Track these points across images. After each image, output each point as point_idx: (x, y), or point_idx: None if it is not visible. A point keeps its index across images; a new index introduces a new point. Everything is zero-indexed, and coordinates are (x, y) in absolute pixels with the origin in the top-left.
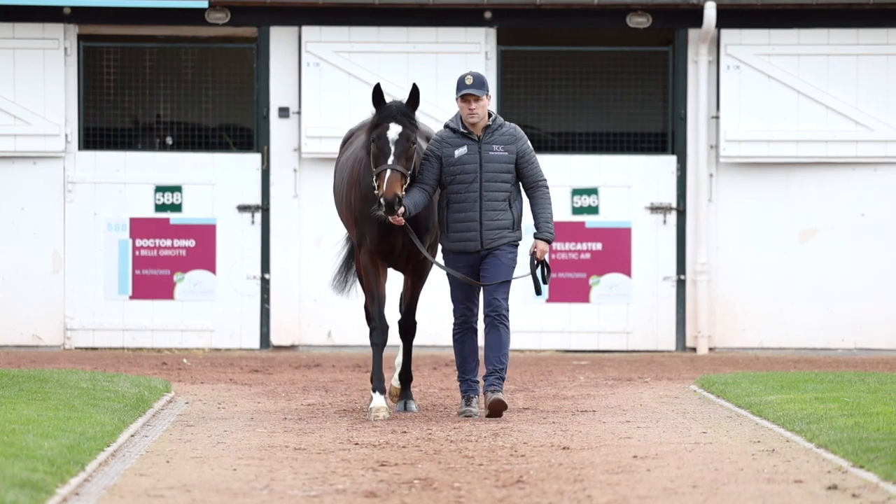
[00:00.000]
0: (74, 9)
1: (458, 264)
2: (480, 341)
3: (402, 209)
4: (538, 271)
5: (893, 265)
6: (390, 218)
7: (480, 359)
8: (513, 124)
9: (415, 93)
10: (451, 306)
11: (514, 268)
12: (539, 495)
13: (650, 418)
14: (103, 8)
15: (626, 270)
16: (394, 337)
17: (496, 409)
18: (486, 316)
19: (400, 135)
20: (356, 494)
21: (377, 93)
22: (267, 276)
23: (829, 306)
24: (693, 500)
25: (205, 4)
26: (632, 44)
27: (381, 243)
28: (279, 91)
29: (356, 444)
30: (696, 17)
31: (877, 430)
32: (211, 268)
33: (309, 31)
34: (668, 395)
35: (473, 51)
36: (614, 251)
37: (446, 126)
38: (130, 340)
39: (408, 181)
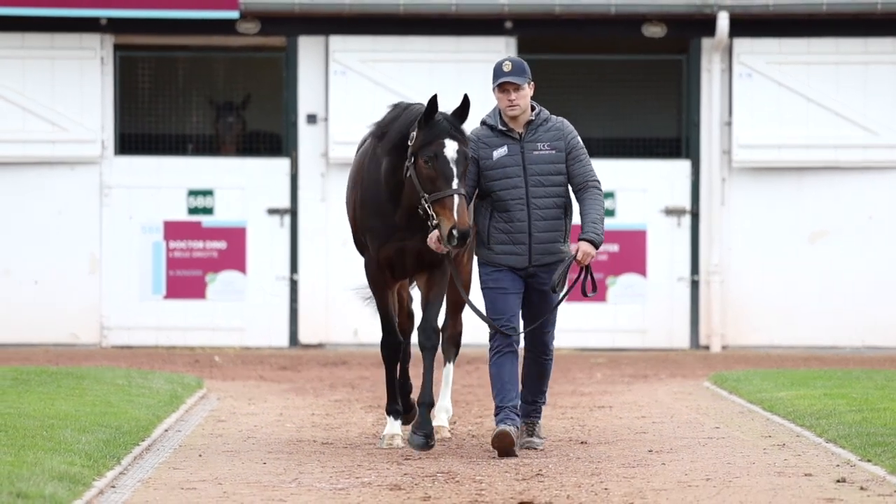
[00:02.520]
0: (111, 20)
1: (500, 277)
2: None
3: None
4: (581, 281)
5: None
6: (433, 246)
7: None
8: (560, 118)
9: (465, 104)
10: (476, 297)
11: (566, 294)
12: (557, 488)
13: (665, 414)
14: (138, 19)
15: (642, 271)
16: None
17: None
18: (527, 350)
19: (458, 153)
20: (381, 487)
21: (433, 106)
22: (295, 276)
23: (837, 306)
24: (706, 493)
25: (236, 15)
26: (647, 52)
27: (387, 249)
28: (307, 98)
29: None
30: (709, 27)
31: (884, 425)
32: (241, 269)
33: (336, 41)
34: (682, 391)
35: (494, 60)
36: (630, 252)
37: (483, 123)
38: (164, 339)
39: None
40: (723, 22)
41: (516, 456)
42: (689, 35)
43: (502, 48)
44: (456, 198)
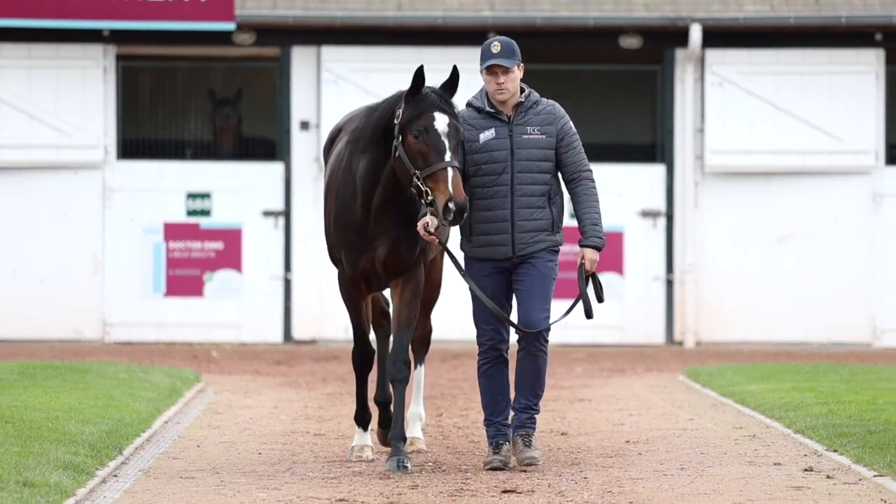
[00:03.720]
0: (113, 31)
1: (483, 274)
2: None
3: (432, 224)
4: (589, 288)
5: (863, 266)
6: (423, 236)
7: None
8: (551, 101)
9: (454, 76)
10: (460, 295)
11: (554, 279)
12: (539, 477)
13: (641, 406)
14: (139, 30)
15: (620, 270)
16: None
17: (529, 464)
18: (520, 339)
19: (449, 126)
20: (371, 476)
21: (419, 78)
22: (289, 276)
23: (805, 304)
24: (681, 482)
25: (232, 27)
26: (624, 63)
27: (358, 267)
28: (300, 106)
29: (371, 430)
30: (682, 39)
31: (849, 417)
32: (238, 268)
33: (328, 51)
34: (657, 385)
35: (477, 69)
36: (608, 253)
37: (469, 105)
38: (164, 335)
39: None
40: (695, 34)
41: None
42: (664, 47)
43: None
44: (450, 170)
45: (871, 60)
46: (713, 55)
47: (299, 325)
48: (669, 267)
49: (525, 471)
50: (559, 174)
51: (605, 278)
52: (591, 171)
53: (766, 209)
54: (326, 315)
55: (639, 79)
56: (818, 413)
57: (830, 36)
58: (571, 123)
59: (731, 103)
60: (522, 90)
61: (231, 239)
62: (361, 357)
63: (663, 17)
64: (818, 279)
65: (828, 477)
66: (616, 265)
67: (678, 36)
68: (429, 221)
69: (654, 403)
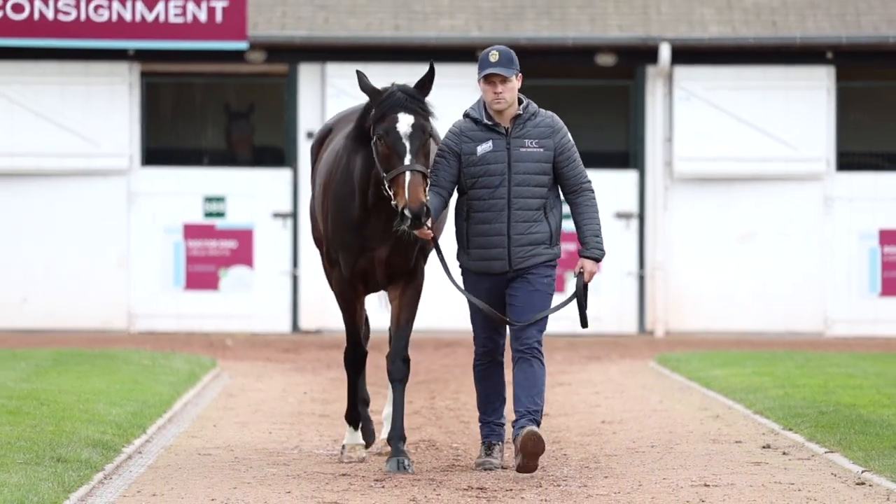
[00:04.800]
0: (137, 51)
1: (479, 288)
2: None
3: (429, 220)
4: (583, 298)
5: (816, 262)
6: (416, 232)
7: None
8: (550, 112)
9: (430, 73)
10: (450, 288)
11: (551, 295)
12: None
13: (616, 390)
14: (161, 50)
15: None
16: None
17: (531, 451)
18: (514, 350)
19: (413, 126)
20: (370, 453)
21: (362, 80)
22: (296, 271)
23: (763, 297)
24: (651, 458)
25: (245, 46)
26: (599, 78)
27: (356, 268)
28: (307, 117)
29: (371, 411)
30: (653, 57)
31: (803, 399)
32: (250, 264)
33: (332, 67)
34: (630, 370)
35: (467, 84)
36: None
37: (466, 115)
38: (183, 325)
39: (429, 184)
40: (665, 52)
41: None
42: (636, 64)
43: (474, 74)
44: (407, 174)
45: (822, 77)
46: (681, 72)
47: (306, 317)
48: (641, 263)
49: (507, 441)
50: (558, 187)
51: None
52: (590, 182)
53: (729, 211)
54: (330, 307)
55: (613, 93)
56: (775, 395)
57: (786, 55)
58: (570, 136)
59: (697, 115)
60: (521, 101)
61: (244, 238)
62: (354, 359)
63: (635, 37)
64: (775, 275)
65: (784, 453)
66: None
67: (649, 54)
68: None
69: (627, 387)
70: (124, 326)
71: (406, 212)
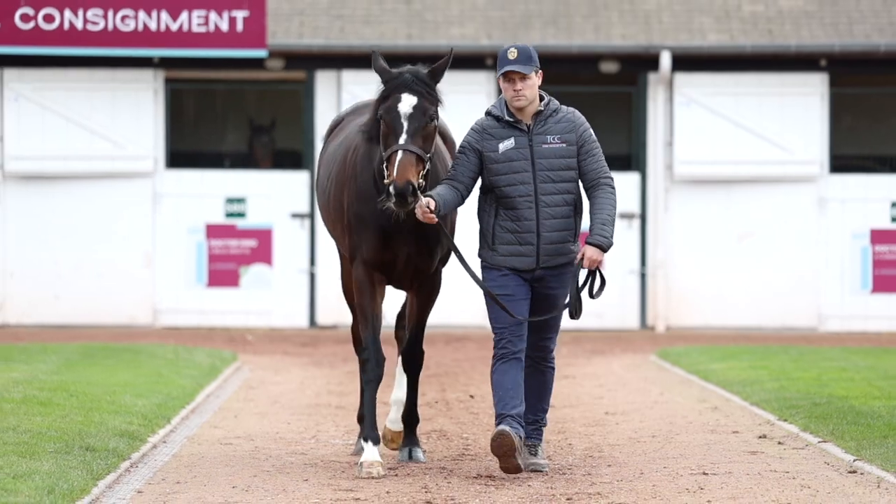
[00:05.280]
0: (162, 58)
1: (506, 283)
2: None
3: (432, 203)
4: (587, 285)
5: (810, 261)
6: (420, 215)
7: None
8: (571, 108)
9: (446, 60)
10: (463, 283)
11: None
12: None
13: (618, 383)
14: (184, 57)
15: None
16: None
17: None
18: (527, 357)
19: (415, 108)
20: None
21: (377, 61)
22: (313, 269)
23: (760, 294)
24: (652, 447)
25: (265, 54)
26: (603, 85)
27: (381, 254)
28: (323, 122)
29: (385, 402)
30: (654, 64)
31: (797, 391)
32: (269, 263)
33: (347, 74)
34: (632, 364)
35: (477, 91)
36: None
37: (488, 113)
38: (205, 321)
39: (426, 167)
40: (665, 60)
41: (518, 465)
42: (638, 71)
43: (484, 80)
44: (399, 153)
45: (816, 83)
46: (681, 78)
47: (322, 312)
48: (643, 262)
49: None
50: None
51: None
52: (611, 177)
53: (727, 212)
54: (345, 304)
55: (616, 99)
56: (771, 388)
57: (782, 62)
58: (591, 130)
59: (696, 120)
60: (542, 98)
61: (263, 238)
62: (373, 372)
63: (637, 46)
64: (771, 272)
65: (779, 443)
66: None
67: (650, 62)
68: (426, 201)
69: (629, 380)
70: (149, 322)
71: (391, 188)
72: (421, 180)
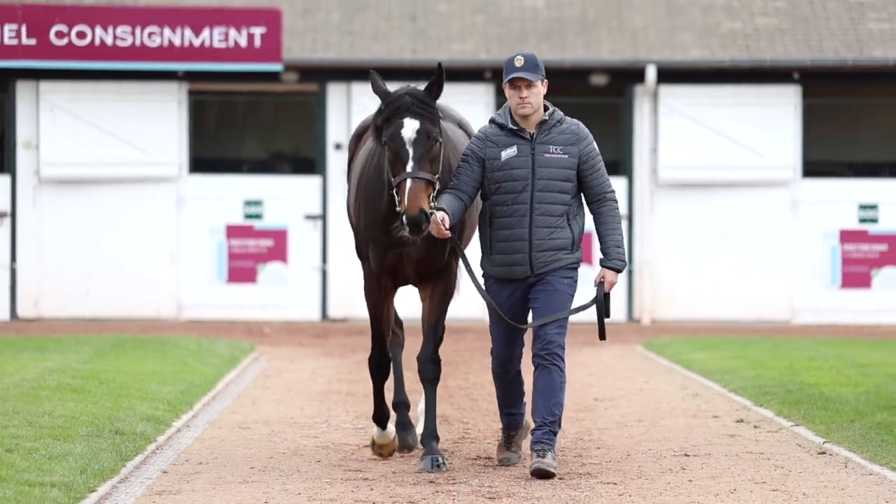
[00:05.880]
0: (186, 72)
1: (501, 294)
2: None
3: (447, 219)
4: (605, 306)
5: (783, 258)
6: (436, 232)
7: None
8: (575, 120)
9: (439, 76)
10: (463, 280)
11: (572, 296)
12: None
13: (607, 371)
14: (206, 71)
15: (590, 262)
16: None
17: (542, 476)
18: (535, 355)
19: (418, 132)
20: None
21: (375, 82)
22: (325, 267)
23: (737, 289)
24: (638, 431)
25: (280, 68)
26: (593, 96)
27: (385, 263)
28: (334, 131)
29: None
30: (640, 77)
31: (772, 379)
32: (284, 260)
33: (357, 87)
34: (620, 354)
35: (476, 102)
36: (582, 248)
37: (492, 121)
38: (225, 314)
39: (436, 189)
40: (651, 73)
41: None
42: (625, 83)
43: (483, 92)
44: (408, 182)
45: (790, 94)
46: (665, 90)
47: (333, 307)
48: (630, 260)
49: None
50: (581, 195)
51: (581, 269)
52: (614, 192)
53: (707, 213)
54: (355, 298)
55: (605, 109)
56: (747, 376)
57: (758, 75)
58: (595, 144)
59: (679, 129)
60: (546, 108)
61: (279, 237)
62: (379, 366)
63: (625, 60)
64: (748, 269)
65: (755, 427)
66: (587, 259)
67: (637, 75)
68: (441, 216)
69: (617, 369)
70: (174, 315)
71: (403, 219)
72: (432, 203)
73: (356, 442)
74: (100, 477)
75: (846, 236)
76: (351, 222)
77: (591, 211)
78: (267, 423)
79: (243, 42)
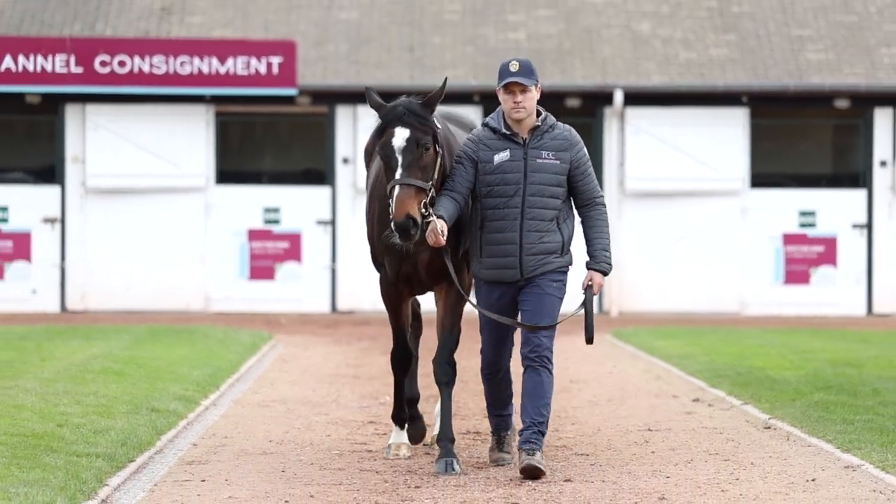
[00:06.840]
0: (213, 96)
1: (491, 297)
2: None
3: (446, 228)
4: (591, 308)
5: (734, 258)
6: (432, 241)
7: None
8: (567, 126)
9: (441, 89)
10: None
11: (561, 299)
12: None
13: (580, 357)
14: (231, 95)
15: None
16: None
17: (531, 475)
18: (524, 357)
19: (407, 140)
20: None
21: (370, 97)
22: (334, 266)
23: (694, 285)
24: (608, 409)
25: (295, 92)
26: (566, 117)
27: (401, 272)
28: (342, 147)
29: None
30: (609, 100)
31: (724, 363)
32: (299, 260)
33: (362, 108)
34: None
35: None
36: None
37: (485, 125)
38: (247, 307)
39: (429, 195)
40: (619, 96)
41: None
42: (596, 105)
43: (471, 113)
44: (396, 188)
45: (740, 115)
46: (631, 112)
47: (342, 300)
48: None
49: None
50: (571, 199)
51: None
52: (603, 197)
53: (668, 219)
54: (360, 294)
55: (579, 128)
56: (703, 361)
57: (712, 98)
58: (586, 150)
59: (643, 145)
60: (539, 113)
61: (294, 240)
62: (401, 360)
63: (596, 85)
64: (703, 267)
65: (709, 405)
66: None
67: (606, 98)
68: (441, 225)
69: (589, 354)
70: (202, 308)
71: (392, 225)
72: (423, 210)
73: (362, 418)
74: (138, 449)
75: (788, 239)
76: (368, 234)
77: (581, 215)
78: (284, 402)
79: (263, 70)
